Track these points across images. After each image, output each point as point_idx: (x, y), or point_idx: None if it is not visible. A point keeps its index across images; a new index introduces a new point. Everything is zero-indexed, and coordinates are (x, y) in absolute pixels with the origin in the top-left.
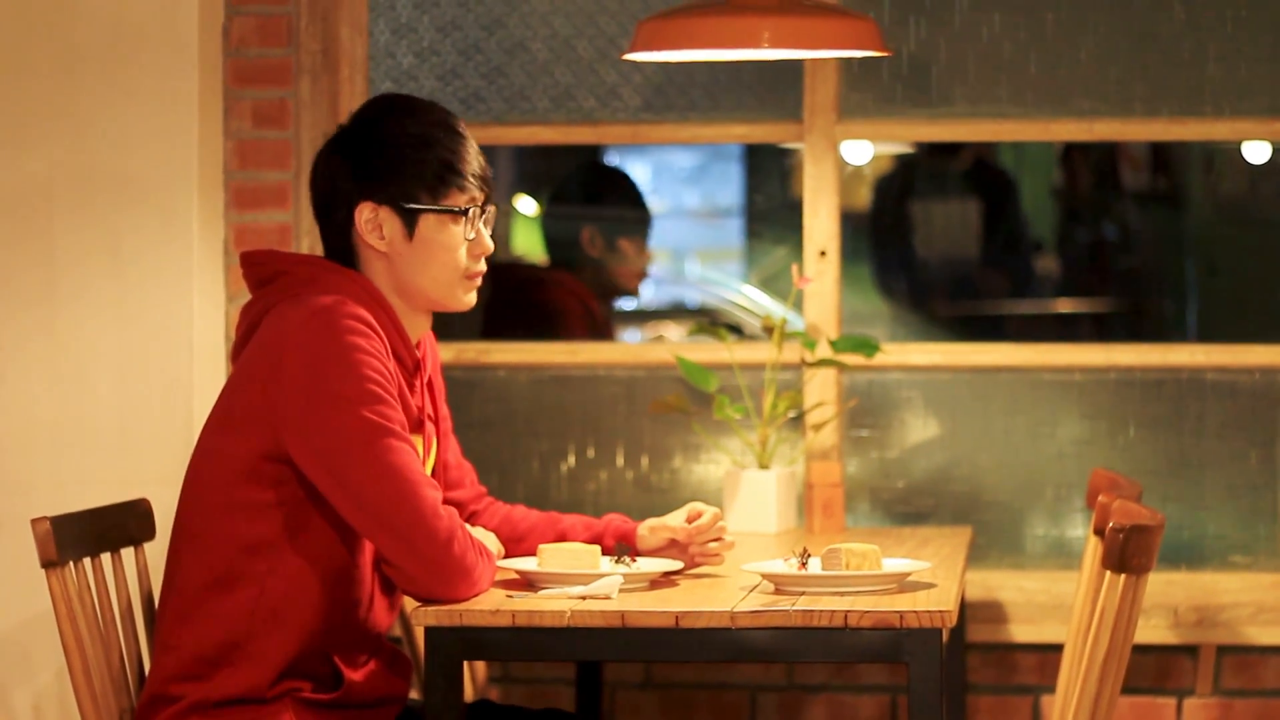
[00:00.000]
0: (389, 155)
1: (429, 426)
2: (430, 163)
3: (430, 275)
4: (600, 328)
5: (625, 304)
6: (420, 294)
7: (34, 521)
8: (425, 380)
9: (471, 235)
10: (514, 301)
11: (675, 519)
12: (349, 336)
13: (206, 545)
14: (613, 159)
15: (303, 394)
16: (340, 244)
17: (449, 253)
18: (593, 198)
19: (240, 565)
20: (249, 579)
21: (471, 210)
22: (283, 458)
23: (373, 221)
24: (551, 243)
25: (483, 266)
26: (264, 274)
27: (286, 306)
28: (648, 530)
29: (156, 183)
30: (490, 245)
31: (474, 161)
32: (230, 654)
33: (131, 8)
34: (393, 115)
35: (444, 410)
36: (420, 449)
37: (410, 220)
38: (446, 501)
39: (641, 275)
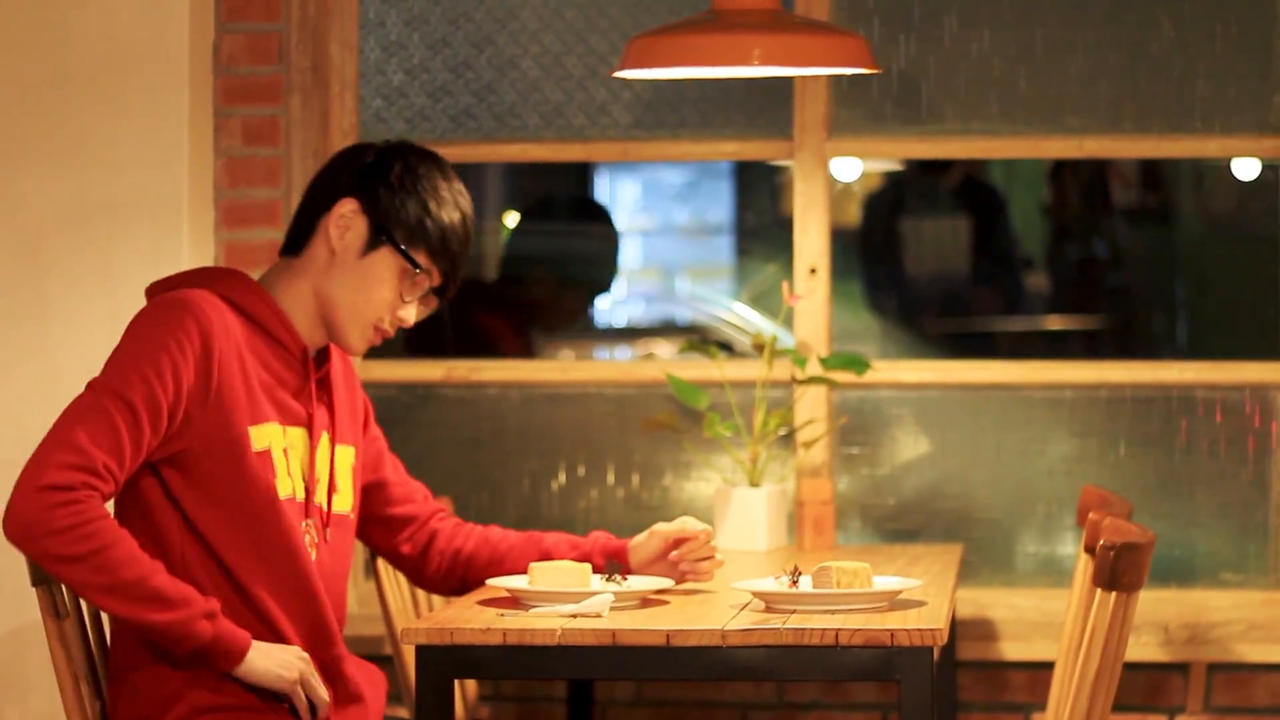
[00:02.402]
0: (404, 182)
1: (322, 421)
2: (429, 216)
3: (350, 299)
4: (526, 351)
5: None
6: (331, 308)
7: None
8: (328, 384)
9: (407, 299)
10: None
11: (667, 528)
12: (164, 323)
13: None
14: (601, 184)
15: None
16: (306, 221)
17: (378, 293)
18: (568, 223)
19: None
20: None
21: (422, 277)
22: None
23: (346, 219)
24: (509, 260)
25: (390, 330)
26: (163, 288)
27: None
28: (647, 535)
29: (147, 200)
30: (409, 321)
31: (458, 250)
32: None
33: (122, 26)
34: (439, 167)
35: (373, 431)
36: (303, 442)
37: (373, 242)
38: (395, 518)
39: (578, 316)
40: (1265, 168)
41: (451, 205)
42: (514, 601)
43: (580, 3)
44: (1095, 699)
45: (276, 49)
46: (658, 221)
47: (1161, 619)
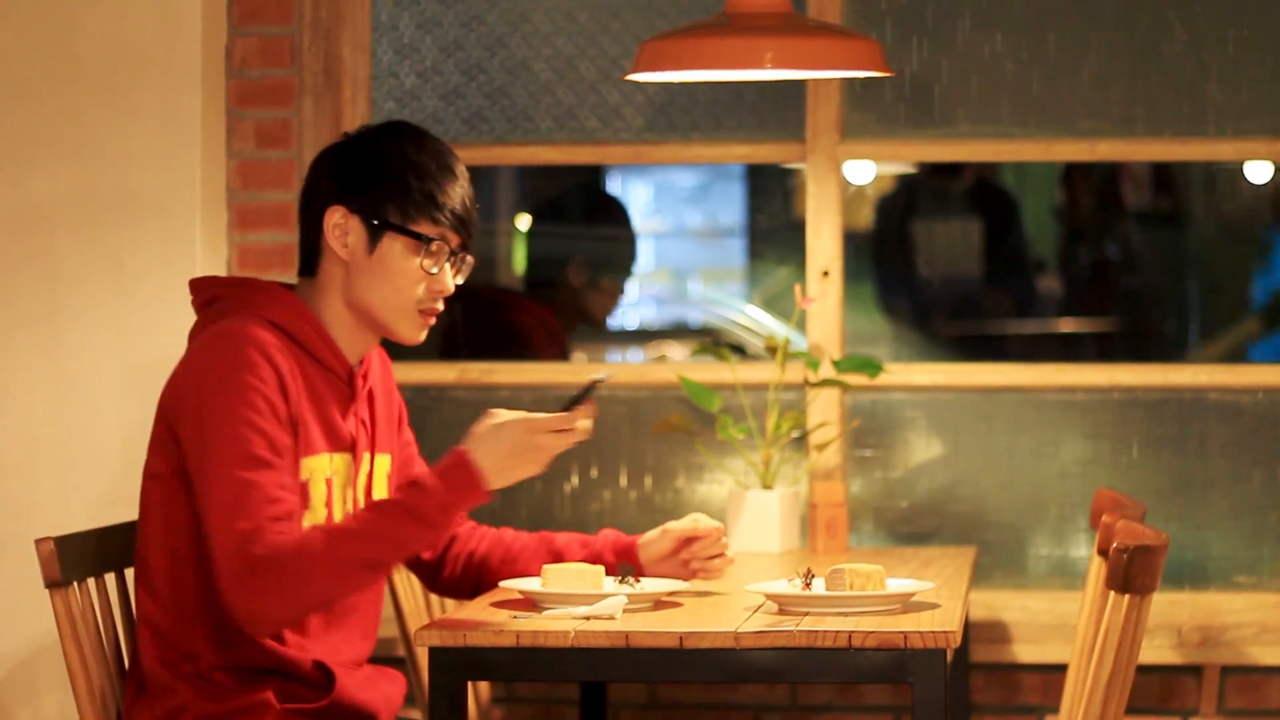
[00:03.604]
0: (376, 168)
1: (363, 441)
2: (411, 187)
3: (381, 296)
4: (562, 353)
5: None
6: (368, 311)
7: (38, 542)
8: (367, 394)
9: (434, 270)
10: (476, 324)
11: (679, 526)
12: (238, 365)
13: (144, 567)
14: (613, 186)
15: (190, 414)
16: (309, 242)
17: (404, 279)
18: (585, 222)
19: (171, 583)
20: (182, 595)
21: (437, 245)
22: (183, 472)
23: (341, 226)
24: (533, 261)
25: (439, 305)
26: (202, 299)
27: (204, 334)
28: (659, 532)
29: (159, 203)
30: (450, 287)
31: (458, 203)
32: (176, 669)
33: (134, 28)
34: (397, 137)
35: (405, 436)
36: (346, 466)
37: (375, 235)
38: None
39: (612, 308)
40: (1278, 171)
41: (428, 164)
42: (527, 603)
43: (593, 5)
44: (1109, 702)
45: (289, 52)
46: (670, 224)
47: (1175, 621)
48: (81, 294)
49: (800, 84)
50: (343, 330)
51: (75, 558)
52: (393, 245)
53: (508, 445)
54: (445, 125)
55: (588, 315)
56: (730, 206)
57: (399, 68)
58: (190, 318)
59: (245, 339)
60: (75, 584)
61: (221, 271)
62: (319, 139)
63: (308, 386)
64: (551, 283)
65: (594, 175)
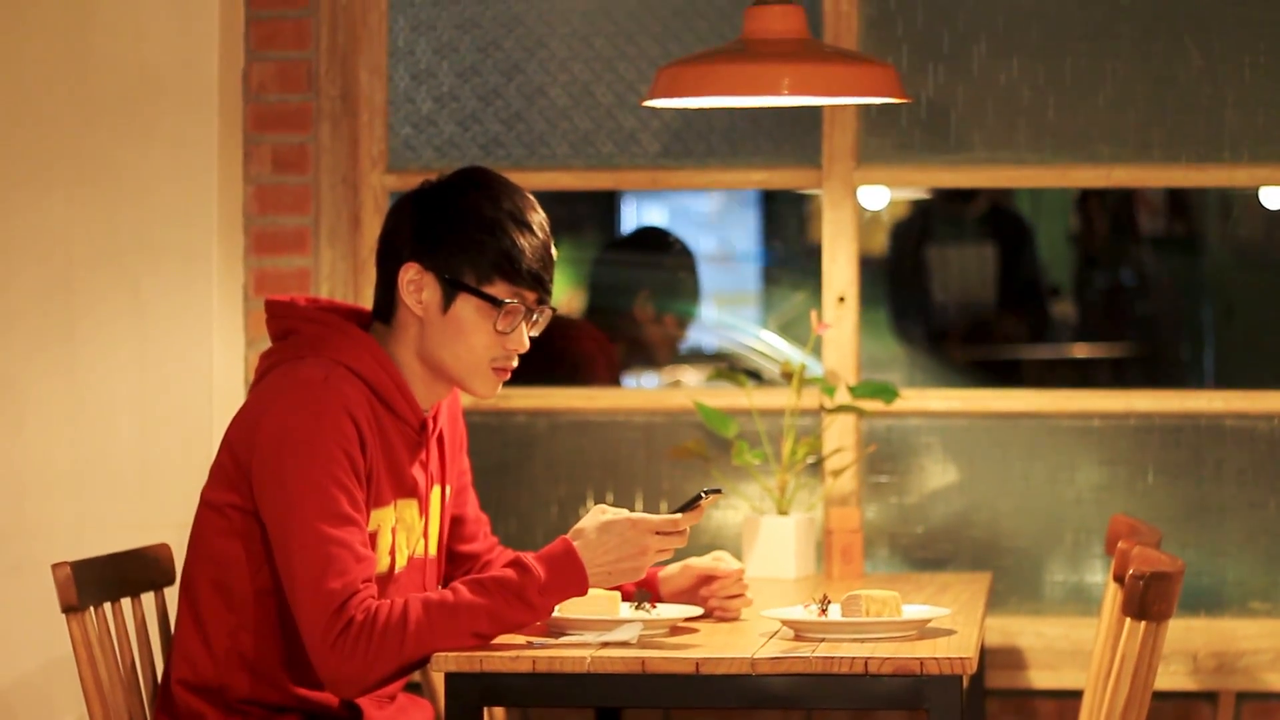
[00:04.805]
0: (453, 227)
1: (435, 491)
2: (488, 248)
3: (453, 353)
4: (615, 381)
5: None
6: (440, 367)
7: (54, 566)
8: (437, 437)
9: (508, 331)
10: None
11: (700, 563)
12: (324, 421)
13: (189, 592)
14: (629, 211)
15: (270, 463)
16: (385, 292)
17: (477, 337)
18: (651, 259)
19: (214, 614)
20: (221, 628)
21: (512, 304)
22: (252, 511)
23: (415, 283)
24: (592, 291)
25: (513, 363)
26: (278, 328)
27: (281, 371)
28: (680, 568)
29: (176, 227)
30: (525, 345)
31: (535, 259)
32: (206, 697)
33: (151, 53)
34: (475, 190)
35: (462, 464)
36: (412, 515)
37: (449, 294)
38: (461, 555)
39: (675, 343)
40: None
41: (504, 220)
42: (543, 629)
43: (609, 31)
44: None
45: (306, 77)
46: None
47: (1190, 648)
48: (98, 317)
49: (816, 110)
50: (417, 380)
51: (92, 583)
52: (466, 305)
53: (613, 543)
54: (462, 150)
55: (648, 349)
56: (746, 232)
57: (416, 93)
58: (210, 345)
59: (330, 392)
60: (91, 608)
61: (238, 297)
62: (336, 164)
63: (381, 438)
64: (608, 311)
65: (610, 202)
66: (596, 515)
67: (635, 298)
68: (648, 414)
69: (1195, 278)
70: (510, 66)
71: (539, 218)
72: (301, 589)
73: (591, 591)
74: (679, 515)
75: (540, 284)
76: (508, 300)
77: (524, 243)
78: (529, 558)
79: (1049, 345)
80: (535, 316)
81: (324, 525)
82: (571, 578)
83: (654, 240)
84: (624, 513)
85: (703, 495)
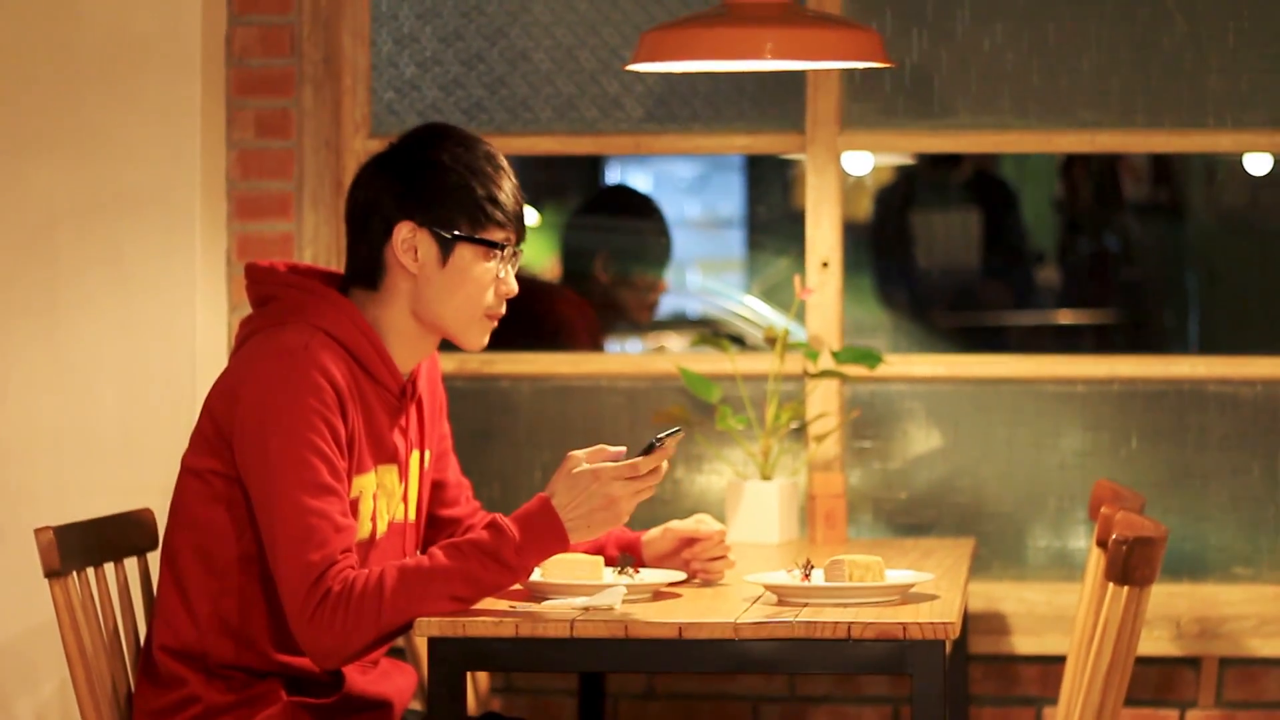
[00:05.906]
0: (438, 180)
1: (414, 456)
2: (476, 194)
3: (453, 306)
4: (596, 345)
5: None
6: (437, 322)
7: (37, 531)
8: (416, 402)
9: (502, 274)
10: (516, 313)
11: (682, 526)
12: (303, 388)
13: (171, 558)
14: (612, 176)
15: (252, 433)
16: (368, 257)
17: (477, 286)
18: (615, 220)
19: (196, 580)
20: (204, 594)
21: (506, 248)
22: (234, 477)
23: (409, 242)
24: (566, 256)
25: (503, 309)
26: (258, 293)
27: (262, 338)
28: (661, 531)
29: (159, 192)
30: (515, 288)
31: (513, 200)
32: (188, 663)
33: (134, 18)
34: (446, 142)
35: (443, 429)
36: (392, 480)
37: (447, 247)
38: (443, 520)
39: (651, 306)
40: (1277, 163)
41: (483, 166)
42: (526, 594)
43: None
44: (1107, 693)
45: (289, 41)
46: (669, 215)
47: (1173, 613)
48: (81, 283)
49: (800, 75)
50: (402, 341)
51: (74, 548)
52: (465, 255)
53: (581, 496)
54: (444, 115)
55: (626, 310)
56: (729, 197)
57: (399, 58)
58: (193, 309)
59: (310, 360)
60: (74, 573)
61: (221, 262)
62: (319, 128)
63: (362, 404)
64: (582, 278)
65: (592, 167)
66: (566, 465)
67: (593, 263)
68: (631, 379)
69: (1179, 244)
70: (493, 31)
71: (506, 161)
72: (282, 561)
73: (574, 556)
74: (639, 459)
75: (522, 224)
76: (502, 242)
77: (505, 185)
78: (505, 519)
79: (1033, 311)
80: (515, 257)
81: (304, 496)
82: (550, 534)
83: (622, 200)
84: (592, 465)
85: (656, 441)
